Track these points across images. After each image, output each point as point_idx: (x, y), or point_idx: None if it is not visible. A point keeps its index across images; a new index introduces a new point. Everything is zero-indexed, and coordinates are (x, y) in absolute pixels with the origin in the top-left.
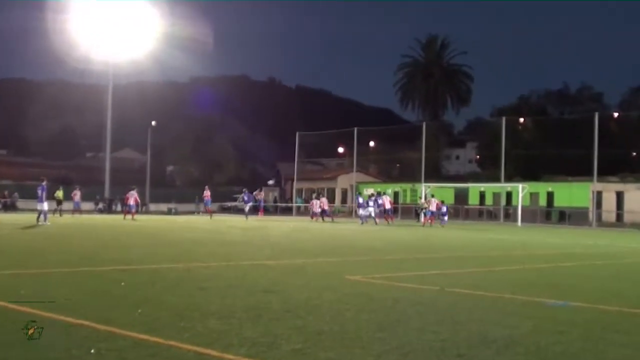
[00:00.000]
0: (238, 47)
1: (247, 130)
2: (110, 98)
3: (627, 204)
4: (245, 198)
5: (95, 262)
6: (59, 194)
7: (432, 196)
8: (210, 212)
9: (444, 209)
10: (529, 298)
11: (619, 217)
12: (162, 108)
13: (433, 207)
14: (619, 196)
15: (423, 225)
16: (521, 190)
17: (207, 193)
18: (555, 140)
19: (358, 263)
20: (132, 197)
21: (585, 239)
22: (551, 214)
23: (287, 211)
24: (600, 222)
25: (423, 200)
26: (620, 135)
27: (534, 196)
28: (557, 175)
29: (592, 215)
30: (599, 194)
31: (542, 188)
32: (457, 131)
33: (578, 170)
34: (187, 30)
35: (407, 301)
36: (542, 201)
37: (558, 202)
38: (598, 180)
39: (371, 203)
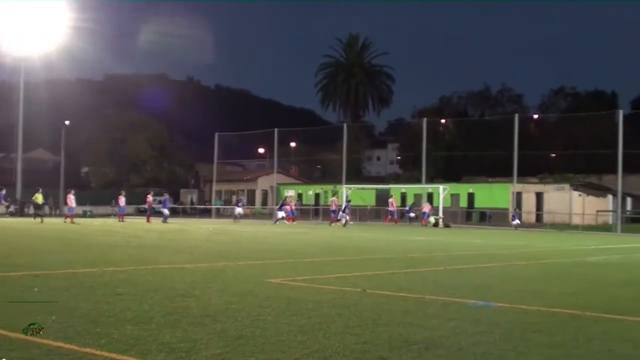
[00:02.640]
0: (156, 45)
1: (165, 131)
2: (22, 96)
3: (547, 205)
4: (166, 202)
5: (7, 267)
6: None
7: (334, 195)
8: (122, 217)
9: (344, 208)
10: (451, 299)
11: (539, 217)
12: (76, 107)
13: (333, 207)
14: (539, 197)
15: (330, 224)
16: (442, 192)
17: (121, 199)
18: (476, 141)
19: (279, 266)
20: (70, 199)
21: (505, 240)
22: (472, 215)
23: (206, 213)
24: (519, 223)
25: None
26: (539, 136)
27: (454, 197)
28: (477, 176)
29: (512, 216)
30: (519, 195)
31: (462, 189)
32: (379, 132)
33: (498, 171)
34: (101, 25)
35: (329, 304)
36: (463, 202)
37: (479, 203)
38: (518, 182)
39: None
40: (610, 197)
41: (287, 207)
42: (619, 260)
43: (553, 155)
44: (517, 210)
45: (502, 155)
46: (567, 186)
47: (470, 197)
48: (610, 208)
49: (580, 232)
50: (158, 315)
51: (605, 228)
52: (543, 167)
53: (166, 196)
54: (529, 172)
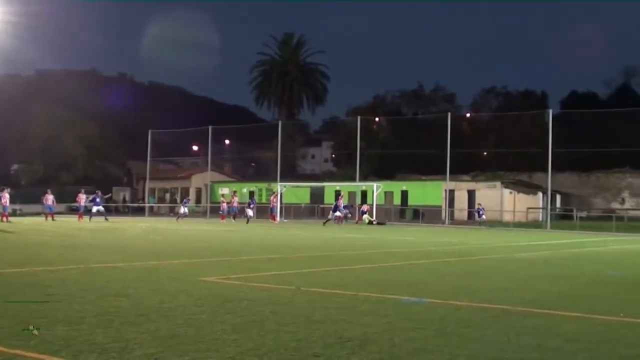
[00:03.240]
0: (88, 40)
1: (96, 128)
2: None
3: (479, 202)
4: (97, 200)
5: None
6: None
7: (234, 193)
8: (51, 215)
9: (249, 206)
10: (384, 296)
11: (470, 215)
12: (5, 103)
13: (235, 204)
14: (471, 194)
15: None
16: (376, 189)
17: (48, 197)
18: (410, 139)
19: (213, 264)
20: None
21: (438, 237)
22: (405, 213)
23: (140, 211)
24: (452, 220)
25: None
26: (471, 135)
27: (388, 195)
28: (411, 174)
29: (445, 214)
30: (452, 193)
31: (396, 187)
32: (313, 130)
33: (431, 169)
34: (30, 19)
35: (263, 302)
36: (397, 200)
37: (412, 201)
38: (450, 179)
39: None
40: (540, 194)
41: (340, 206)
42: (548, 256)
43: (485, 153)
44: (480, 205)
45: (435, 154)
46: (498, 184)
47: (404, 194)
48: (540, 205)
49: (511, 229)
50: (90, 315)
51: (535, 225)
52: (475, 165)
53: (98, 193)
54: (461, 169)
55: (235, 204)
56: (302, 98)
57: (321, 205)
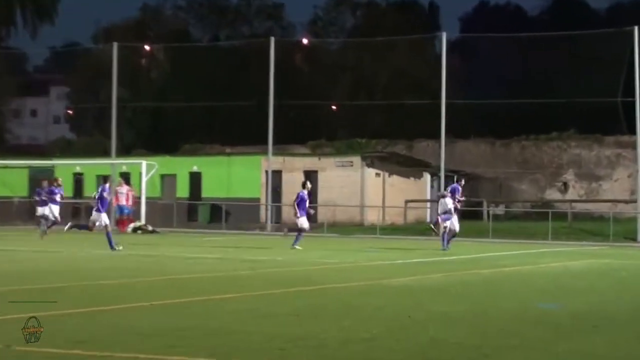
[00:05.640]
0: None
1: None
2: None
3: (324, 191)
4: None
5: None
6: None
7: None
8: None
9: None
10: (163, 358)
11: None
12: None
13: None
14: (310, 178)
15: None
16: (145, 171)
17: None
18: (205, 84)
19: None
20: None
21: (256, 253)
22: (198, 211)
23: None
24: (280, 223)
25: None
26: (311, 75)
27: (168, 181)
28: (207, 144)
29: (266, 213)
30: (277, 175)
31: (182, 167)
32: (34, 67)
33: (243, 135)
34: None
35: None
36: (183, 190)
37: (209, 191)
38: (275, 153)
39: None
40: (427, 177)
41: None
42: (441, 282)
43: (333, 107)
44: (305, 189)
45: (248, 109)
46: (356, 159)
47: (195, 180)
48: (428, 195)
49: (379, 237)
50: None
51: (418, 229)
52: (318, 129)
53: None
54: (294, 136)
55: None
56: (15, 11)
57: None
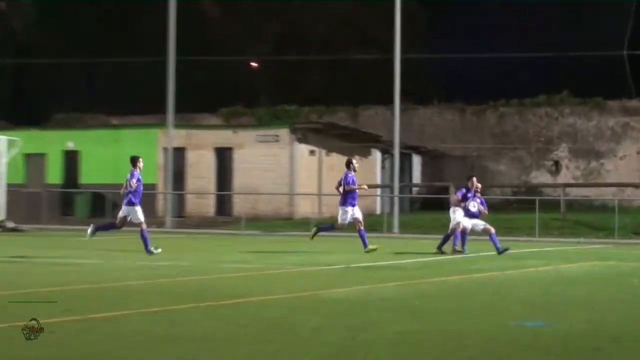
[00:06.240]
0: None
1: None
2: None
3: (240, 175)
4: None
5: None
6: None
7: None
8: None
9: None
10: None
11: (225, 203)
12: None
13: None
14: (223, 157)
15: None
16: (6, 151)
17: None
18: (73, 32)
19: None
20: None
21: (148, 258)
22: (75, 203)
23: None
24: (184, 217)
25: None
26: (221, 20)
27: (33, 162)
28: (86, 113)
29: (164, 203)
30: (180, 154)
31: (53, 144)
32: None
33: (133, 102)
34: None
35: None
36: (55, 174)
37: (90, 176)
38: (178, 125)
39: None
40: (377, 155)
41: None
42: (395, 294)
43: (254, 64)
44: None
45: (141, 67)
46: (284, 133)
47: (71, 161)
48: (378, 179)
49: (308, 234)
50: None
51: (367, 223)
52: (233, 93)
53: None
54: (202, 103)
55: None
56: None
57: None
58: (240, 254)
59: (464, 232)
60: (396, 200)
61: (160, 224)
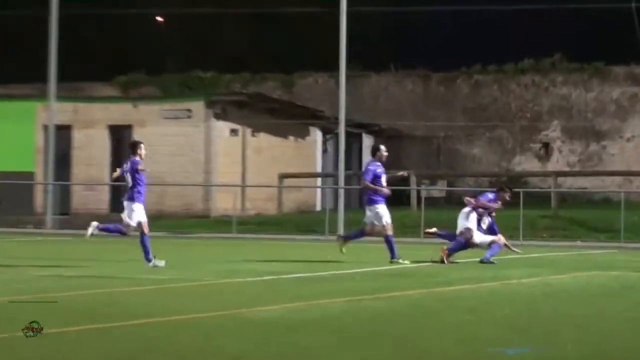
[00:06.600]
0: None
1: None
2: None
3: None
4: None
5: None
6: None
7: None
8: None
9: None
10: None
11: (118, 197)
12: None
13: None
14: (118, 137)
15: None
16: None
17: None
18: None
19: None
20: None
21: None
22: None
23: None
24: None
25: None
26: None
27: None
28: None
29: (45, 197)
30: (65, 133)
31: None
32: None
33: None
34: None
35: None
36: None
37: None
38: (61, 98)
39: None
40: (318, 135)
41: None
42: (340, 313)
43: (159, 18)
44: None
45: (11, 21)
46: (198, 107)
47: None
48: (318, 166)
49: (237, 236)
50: None
51: (306, 220)
52: (131, 55)
53: None
54: (93, 69)
55: None
56: None
57: None
58: (141, 262)
59: (467, 244)
60: (341, 193)
61: (39, 224)
